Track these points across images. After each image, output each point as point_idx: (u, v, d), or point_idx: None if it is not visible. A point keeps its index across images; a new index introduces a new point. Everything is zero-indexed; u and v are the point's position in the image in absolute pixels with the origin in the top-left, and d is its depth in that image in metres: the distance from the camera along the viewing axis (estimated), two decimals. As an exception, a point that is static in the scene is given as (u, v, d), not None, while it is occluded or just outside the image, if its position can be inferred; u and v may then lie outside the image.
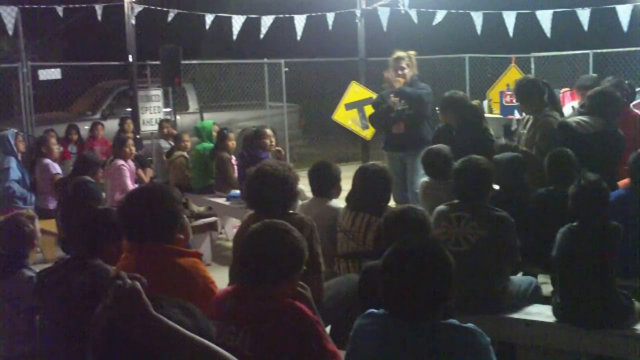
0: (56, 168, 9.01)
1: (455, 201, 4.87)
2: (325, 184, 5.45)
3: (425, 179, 6.24)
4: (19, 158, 9.20)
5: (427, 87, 8.06)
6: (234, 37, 13.31)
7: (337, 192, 5.49)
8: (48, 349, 3.75)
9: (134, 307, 1.96)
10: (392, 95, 7.88)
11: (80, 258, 3.78)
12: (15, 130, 9.86)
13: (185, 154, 9.68)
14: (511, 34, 12.99)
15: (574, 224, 4.50)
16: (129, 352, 1.97)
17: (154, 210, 3.26)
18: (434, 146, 6.28)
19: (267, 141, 8.45)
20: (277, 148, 8.75)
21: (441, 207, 4.88)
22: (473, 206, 4.74)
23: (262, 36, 13.48)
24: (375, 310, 2.85)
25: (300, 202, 5.50)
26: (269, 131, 8.67)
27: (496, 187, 5.40)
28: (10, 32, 11.97)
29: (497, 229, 4.64)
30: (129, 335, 1.96)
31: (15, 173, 8.89)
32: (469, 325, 2.71)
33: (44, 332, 3.82)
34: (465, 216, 4.69)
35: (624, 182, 5.71)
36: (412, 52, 8.08)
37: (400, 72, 7.91)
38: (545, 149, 6.00)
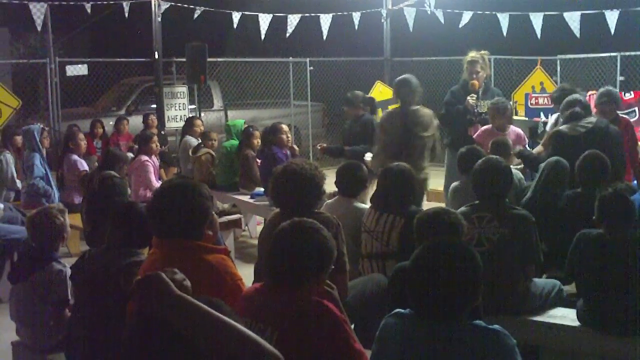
0: (84, 165, 9.08)
1: (476, 202, 4.88)
2: (354, 185, 5.49)
3: (456, 183, 6.29)
4: (44, 154, 9.28)
5: (499, 93, 8.21)
6: (262, 36, 13.34)
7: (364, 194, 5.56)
8: (81, 342, 3.79)
9: (160, 289, 2.00)
10: (470, 97, 7.95)
11: (119, 254, 3.81)
12: (41, 126, 9.95)
13: (211, 151, 9.72)
14: (539, 36, 12.90)
15: (600, 231, 4.48)
16: (157, 338, 2.00)
17: (183, 206, 3.25)
18: (471, 146, 6.33)
19: (284, 137, 8.42)
20: (291, 145, 8.74)
21: (462, 209, 4.88)
22: (493, 206, 4.75)
23: (287, 35, 13.51)
24: (402, 310, 2.85)
25: (325, 202, 5.53)
26: (285, 127, 8.64)
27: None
28: (39, 28, 12.10)
29: (518, 227, 4.65)
30: (155, 323, 1.99)
31: (39, 170, 8.98)
32: (495, 327, 2.71)
33: (77, 325, 3.86)
34: (486, 216, 4.69)
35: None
36: (484, 52, 8.18)
37: (475, 75, 8.04)
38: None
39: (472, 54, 8.19)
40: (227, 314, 2.07)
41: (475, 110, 8.00)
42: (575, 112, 6.53)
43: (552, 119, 8.03)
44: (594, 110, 7.22)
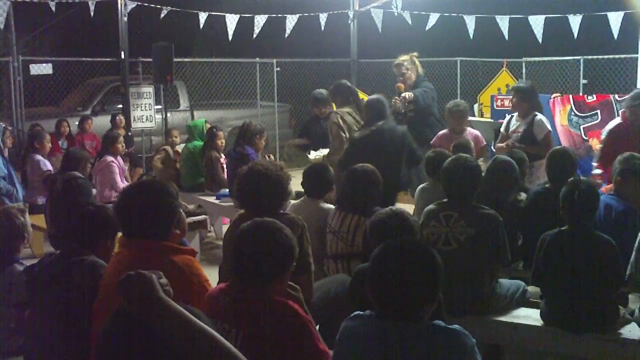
0: (47, 165, 8.99)
1: (444, 200, 4.91)
2: (319, 186, 5.50)
3: (424, 184, 6.33)
4: (5, 154, 9.16)
5: (429, 86, 8.34)
6: (230, 36, 13.31)
7: (330, 195, 5.58)
8: (39, 345, 3.75)
9: (144, 290, 2.01)
10: (395, 98, 8.12)
11: (75, 254, 3.78)
12: (3, 125, 9.83)
13: (169, 148, 9.73)
14: (507, 37, 13.04)
15: (563, 228, 4.53)
16: (136, 337, 2.00)
17: (150, 205, 3.23)
18: (439, 149, 6.40)
19: (263, 142, 8.37)
20: (269, 154, 8.75)
21: (430, 206, 4.90)
22: (461, 205, 4.77)
23: (254, 36, 13.48)
24: (361, 312, 2.84)
25: (291, 202, 5.53)
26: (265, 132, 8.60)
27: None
28: (1, 26, 11.91)
29: (485, 227, 4.66)
30: (135, 321, 1.99)
31: (0, 170, 8.87)
32: (455, 326, 2.71)
33: (35, 328, 3.82)
34: (454, 215, 4.71)
35: (607, 187, 5.77)
36: (414, 54, 8.32)
37: (400, 77, 8.18)
38: None
39: (399, 59, 8.40)
40: (207, 325, 2.08)
41: (402, 110, 8.19)
42: (369, 118, 7.10)
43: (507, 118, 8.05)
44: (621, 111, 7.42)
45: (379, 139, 6.85)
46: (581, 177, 5.02)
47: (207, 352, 2.01)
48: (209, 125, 9.79)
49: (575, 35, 12.34)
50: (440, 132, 7.93)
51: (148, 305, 2.00)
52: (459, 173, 4.85)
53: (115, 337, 2.05)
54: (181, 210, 3.40)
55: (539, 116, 7.45)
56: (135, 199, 3.29)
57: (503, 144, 7.38)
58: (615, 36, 11.78)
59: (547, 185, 5.61)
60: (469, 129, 7.89)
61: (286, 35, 13.85)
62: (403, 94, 8.23)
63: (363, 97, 8.69)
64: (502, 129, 7.81)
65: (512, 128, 7.58)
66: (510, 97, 7.96)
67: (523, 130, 7.40)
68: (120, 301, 2.05)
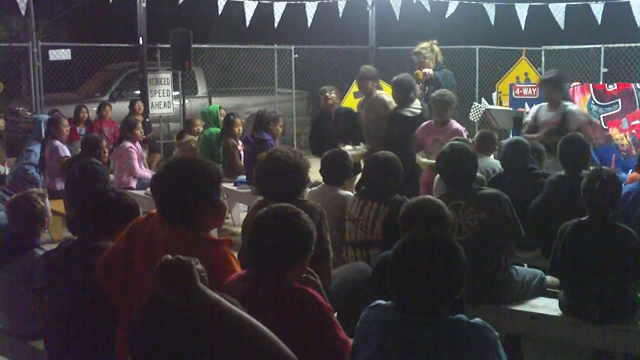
0: (65, 151, 9.04)
1: (446, 191, 4.88)
2: (338, 173, 5.48)
3: None
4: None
5: (448, 72, 8.33)
6: (247, 23, 13.29)
7: (349, 183, 5.55)
8: (57, 329, 3.77)
9: (183, 278, 1.98)
10: (417, 85, 8.14)
11: (92, 240, 3.79)
12: (49, 117, 9.92)
13: (195, 138, 9.72)
14: (523, 27, 12.92)
15: (583, 218, 4.49)
16: (173, 323, 1.98)
17: (190, 193, 3.11)
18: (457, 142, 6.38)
19: (279, 128, 8.43)
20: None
21: None
22: (464, 192, 4.75)
23: (276, 25, 13.45)
24: (383, 302, 2.80)
25: (309, 189, 5.52)
26: (281, 118, 8.67)
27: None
28: (23, 12, 11.95)
29: (493, 207, 4.65)
30: (172, 309, 1.97)
31: (36, 157, 8.99)
32: (477, 320, 2.66)
33: (53, 312, 3.84)
34: (462, 204, 4.68)
35: (633, 175, 5.73)
36: (434, 41, 8.33)
37: (420, 65, 8.27)
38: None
39: (418, 47, 8.40)
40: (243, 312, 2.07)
41: (423, 97, 8.16)
42: (410, 97, 7.65)
43: (534, 108, 7.92)
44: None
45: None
46: (602, 167, 4.95)
47: (248, 339, 1.98)
48: (223, 112, 9.80)
49: (599, 23, 12.19)
50: (424, 123, 7.60)
51: (187, 294, 1.97)
52: (459, 160, 4.83)
53: (150, 322, 2.02)
54: (222, 197, 3.27)
55: (571, 106, 7.35)
56: (176, 182, 3.15)
57: (534, 135, 7.24)
58: (638, 24, 11.63)
59: (562, 174, 5.58)
60: (452, 121, 7.58)
61: (309, 25, 13.79)
62: (423, 71, 8.18)
63: (383, 85, 8.65)
64: (529, 119, 7.60)
65: (542, 119, 7.40)
66: (531, 86, 7.90)
67: (558, 120, 7.25)
68: (157, 286, 2.01)
